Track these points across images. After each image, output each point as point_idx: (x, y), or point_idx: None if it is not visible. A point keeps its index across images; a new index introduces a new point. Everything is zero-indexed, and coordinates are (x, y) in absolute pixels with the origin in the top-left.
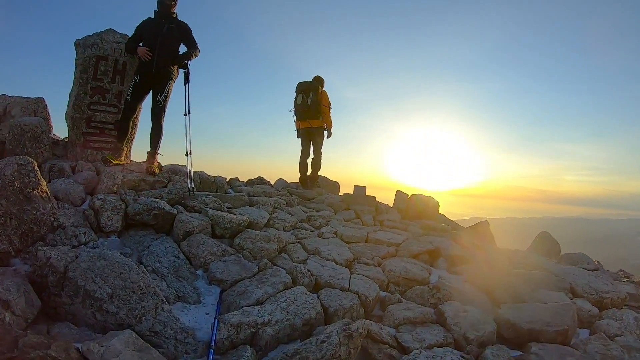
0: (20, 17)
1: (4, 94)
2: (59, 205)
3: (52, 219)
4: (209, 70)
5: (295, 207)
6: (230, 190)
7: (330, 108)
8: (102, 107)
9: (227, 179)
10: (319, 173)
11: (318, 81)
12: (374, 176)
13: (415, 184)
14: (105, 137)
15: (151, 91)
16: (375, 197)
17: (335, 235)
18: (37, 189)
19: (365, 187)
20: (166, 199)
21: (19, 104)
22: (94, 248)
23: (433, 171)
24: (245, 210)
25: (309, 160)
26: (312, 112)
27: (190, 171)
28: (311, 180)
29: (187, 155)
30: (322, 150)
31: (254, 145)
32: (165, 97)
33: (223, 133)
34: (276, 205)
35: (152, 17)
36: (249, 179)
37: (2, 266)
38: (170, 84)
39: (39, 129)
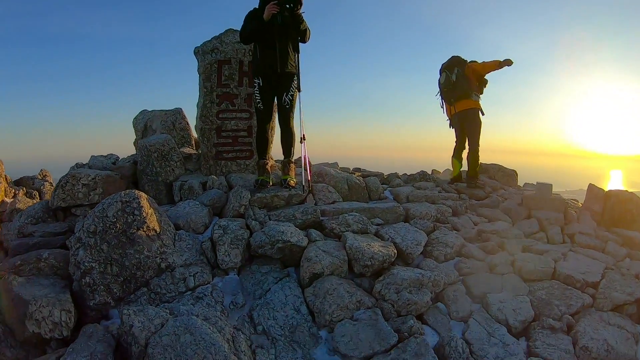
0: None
1: (145, 109)
2: (177, 237)
3: (160, 260)
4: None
5: (462, 217)
6: (387, 192)
7: (484, 82)
8: (232, 114)
9: (385, 175)
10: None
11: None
12: (552, 142)
13: (601, 149)
14: (240, 146)
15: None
16: (564, 200)
17: (512, 268)
18: (143, 228)
19: (550, 184)
20: (300, 221)
21: (158, 117)
22: (184, 312)
23: (623, 132)
24: (400, 228)
25: (465, 154)
26: (459, 89)
27: (306, 162)
28: (470, 180)
29: (301, 142)
30: (479, 137)
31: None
32: (292, 96)
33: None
34: (439, 215)
35: (258, 6)
36: (410, 175)
37: (98, 319)
38: (295, 80)
39: (166, 146)
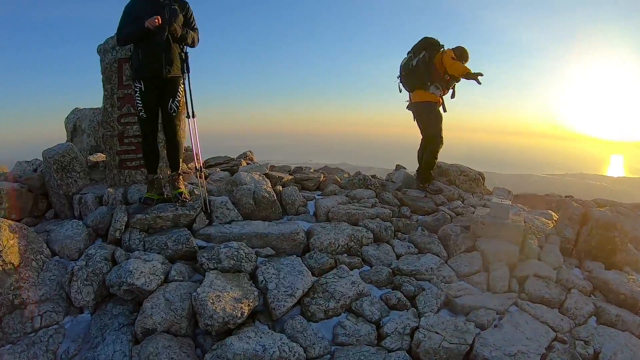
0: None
1: (77, 108)
2: (44, 267)
3: (12, 297)
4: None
5: (382, 246)
6: (311, 203)
7: (454, 78)
8: (134, 118)
9: (322, 178)
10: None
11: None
12: (548, 125)
13: (603, 135)
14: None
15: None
16: (523, 222)
17: (409, 340)
18: None
19: (508, 205)
20: (171, 251)
21: (87, 116)
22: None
23: (616, 117)
24: (285, 266)
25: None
26: (416, 77)
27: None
28: (419, 180)
29: (188, 117)
30: (436, 134)
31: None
32: (179, 102)
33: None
34: (351, 244)
35: None
36: (350, 179)
37: None
38: (182, 85)
39: (66, 157)
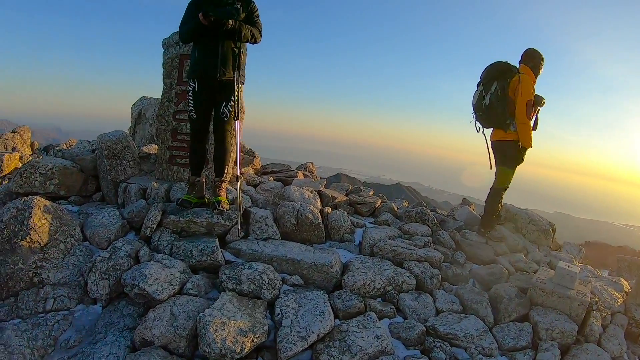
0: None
1: (144, 96)
2: (72, 251)
3: (32, 274)
4: None
5: (422, 297)
6: (359, 231)
7: (533, 112)
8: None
9: (378, 204)
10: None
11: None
12: (623, 169)
13: None
14: None
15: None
16: (589, 296)
17: None
18: (26, 239)
19: (576, 272)
20: (195, 260)
21: (152, 106)
22: None
23: None
24: (309, 301)
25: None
26: (493, 117)
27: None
28: (481, 225)
29: (236, 179)
30: (506, 178)
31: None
32: (232, 107)
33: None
34: (388, 288)
35: None
36: (407, 210)
37: None
38: (237, 89)
39: (118, 145)
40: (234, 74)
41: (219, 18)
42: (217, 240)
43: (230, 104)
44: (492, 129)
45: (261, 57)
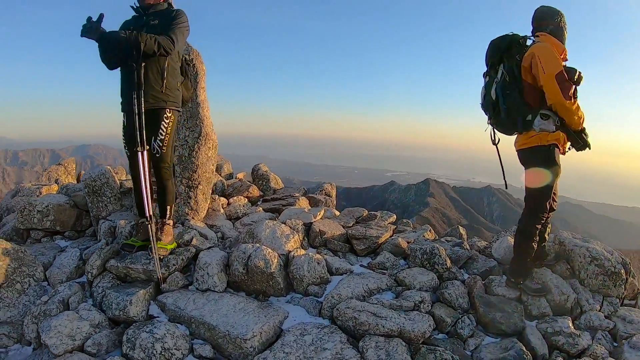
0: None
1: None
2: (26, 292)
3: None
4: None
5: None
6: (329, 287)
7: (571, 85)
8: None
9: (387, 235)
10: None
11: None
12: None
13: None
14: None
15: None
16: None
17: None
18: None
19: None
20: (112, 314)
21: None
22: None
23: None
24: None
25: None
26: (506, 116)
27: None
28: (509, 272)
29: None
30: (540, 196)
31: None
32: (163, 141)
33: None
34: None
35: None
36: (419, 247)
37: None
38: (166, 119)
39: (97, 182)
40: (164, 101)
41: (83, 37)
42: (141, 291)
43: (159, 137)
44: (514, 135)
45: (355, 65)
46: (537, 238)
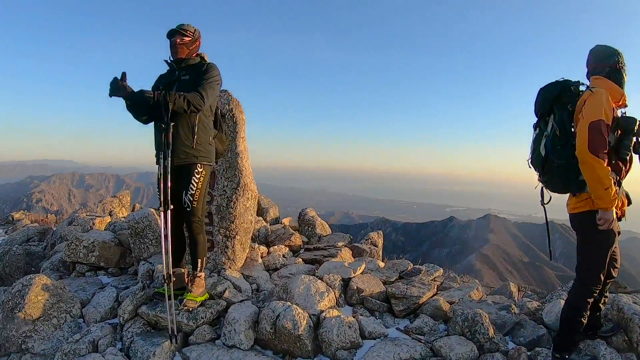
0: None
1: None
2: (63, 326)
3: (20, 342)
4: None
5: None
6: (359, 353)
7: (605, 140)
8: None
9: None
10: None
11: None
12: None
13: None
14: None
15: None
16: None
17: None
18: (22, 311)
19: None
20: None
21: None
22: None
23: None
24: None
25: None
26: (556, 176)
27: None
28: (554, 345)
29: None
30: (590, 269)
31: None
32: (194, 195)
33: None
34: None
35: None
36: (463, 314)
37: None
38: (197, 174)
39: (140, 224)
40: (195, 157)
41: (112, 96)
42: (166, 343)
43: (190, 192)
44: (566, 194)
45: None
46: (589, 312)
